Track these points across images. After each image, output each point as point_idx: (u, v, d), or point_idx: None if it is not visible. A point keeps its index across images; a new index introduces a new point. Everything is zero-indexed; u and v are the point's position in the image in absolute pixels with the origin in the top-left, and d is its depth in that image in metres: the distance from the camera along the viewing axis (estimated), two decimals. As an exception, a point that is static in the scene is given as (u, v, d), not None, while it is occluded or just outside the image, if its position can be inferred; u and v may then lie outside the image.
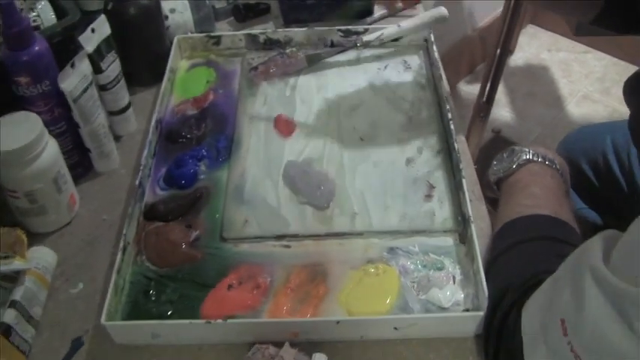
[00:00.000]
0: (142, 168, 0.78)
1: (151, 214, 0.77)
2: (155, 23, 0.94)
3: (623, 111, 0.83)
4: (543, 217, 0.67)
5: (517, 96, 2.11)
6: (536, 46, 2.33)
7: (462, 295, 0.67)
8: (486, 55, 2.20)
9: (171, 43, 0.96)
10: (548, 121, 2.04)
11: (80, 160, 0.82)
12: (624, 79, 0.84)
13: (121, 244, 0.70)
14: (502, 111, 2.07)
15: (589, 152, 1.11)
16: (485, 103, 1.61)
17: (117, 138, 0.88)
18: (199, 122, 0.88)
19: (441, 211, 0.75)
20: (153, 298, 0.68)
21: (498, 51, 1.47)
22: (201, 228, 0.75)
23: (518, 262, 0.64)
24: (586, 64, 2.24)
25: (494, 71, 1.52)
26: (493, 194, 0.79)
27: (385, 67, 0.95)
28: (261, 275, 0.69)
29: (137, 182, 0.76)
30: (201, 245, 0.73)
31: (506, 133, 1.95)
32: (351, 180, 0.79)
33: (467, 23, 2.07)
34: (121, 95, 0.85)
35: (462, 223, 0.73)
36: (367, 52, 0.97)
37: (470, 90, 2.15)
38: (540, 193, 0.70)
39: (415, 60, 0.96)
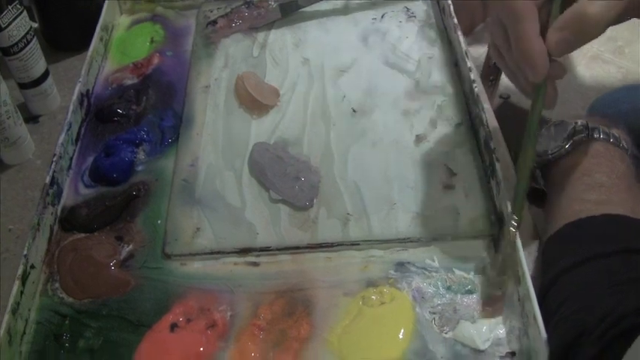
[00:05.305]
0: (55, 159, 0.63)
1: (69, 222, 0.62)
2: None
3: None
4: (619, 219, 0.53)
5: (520, 57, 2.08)
6: (539, 3, 2.29)
7: (504, 331, 0.52)
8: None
9: (106, -6, 0.83)
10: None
11: (-21, 150, 0.70)
12: (638, 38, 0.69)
13: (20, 270, 0.54)
14: (503, 75, 2.01)
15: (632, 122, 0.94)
16: (495, 66, 1.51)
17: (33, 119, 0.78)
18: (139, 94, 0.73)
19: (467, 207, 0.60)
20: (67, 345, 0.54)
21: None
22: (137, 240, 0.60)
23: (592, 291, 0.48)
24: (594, 22, 2.23)
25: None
26: (535, 184, 0.64)
27: (382, 17, 0.82)
28: (217, 308, 0.56)
29: (48, 178, 0.61)
30: (136, 265, 0.59)
31: (514, 99, 1.87)
32: (341, 168, 0.65)
33: (464, -24, 1.99)
34: (33, 61, 0.73)
35: (497, 223, 0.58)
36: (358, -2, 0.84)
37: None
38: (609, 184, 0.56)
39: (420, 6, 0.83)
